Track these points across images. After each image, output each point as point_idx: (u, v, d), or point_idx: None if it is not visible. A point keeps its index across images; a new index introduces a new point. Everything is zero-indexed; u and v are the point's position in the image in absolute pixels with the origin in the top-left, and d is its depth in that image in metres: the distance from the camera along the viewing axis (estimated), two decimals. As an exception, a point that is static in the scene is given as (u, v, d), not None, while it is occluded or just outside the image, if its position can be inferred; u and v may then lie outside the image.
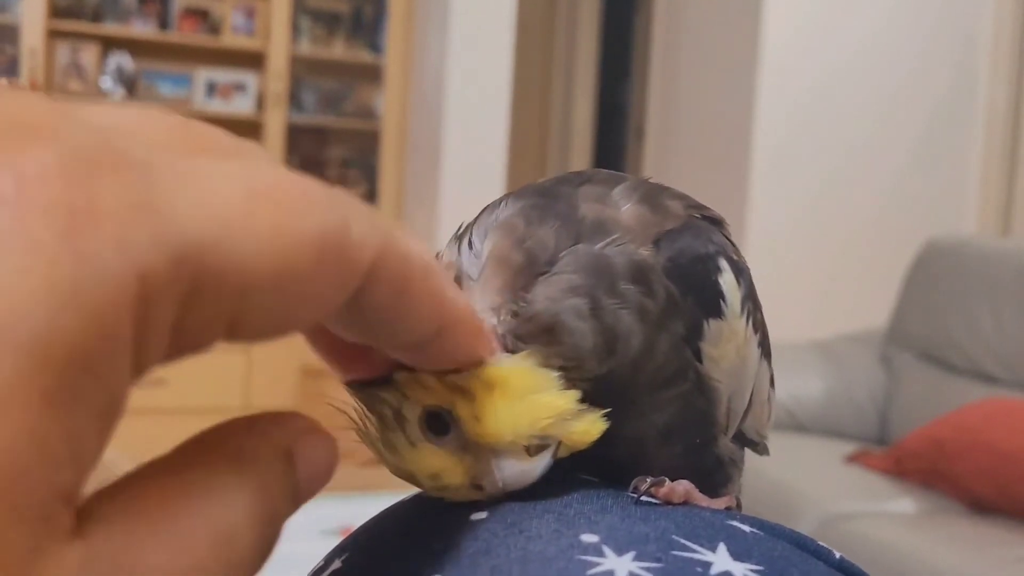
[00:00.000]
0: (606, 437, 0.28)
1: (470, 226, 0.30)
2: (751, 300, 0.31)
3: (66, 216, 0.14)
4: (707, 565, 0.24)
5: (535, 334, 0.27)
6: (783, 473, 2.02)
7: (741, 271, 0.30)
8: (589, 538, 0.25)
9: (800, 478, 2.05)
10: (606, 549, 0.25)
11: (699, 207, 0.31)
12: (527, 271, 0.28)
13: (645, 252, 0.28)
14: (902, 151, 3.00)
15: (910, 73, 2.98)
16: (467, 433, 0.27)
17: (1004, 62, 3.05)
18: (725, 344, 0.29)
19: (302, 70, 3.67)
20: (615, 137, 4.61)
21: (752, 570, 0.25)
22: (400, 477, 0.28)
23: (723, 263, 0.29)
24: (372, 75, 3.69)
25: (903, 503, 1.95)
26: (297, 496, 0.20)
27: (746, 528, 0.27)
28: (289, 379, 3.16)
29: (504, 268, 0.28)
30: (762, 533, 0.27)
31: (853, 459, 2.17)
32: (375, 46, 3.69)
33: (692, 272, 0.28)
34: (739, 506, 0.31)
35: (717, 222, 0.31)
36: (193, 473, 0.18)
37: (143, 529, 0.16)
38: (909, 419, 2.30)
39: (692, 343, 0.29)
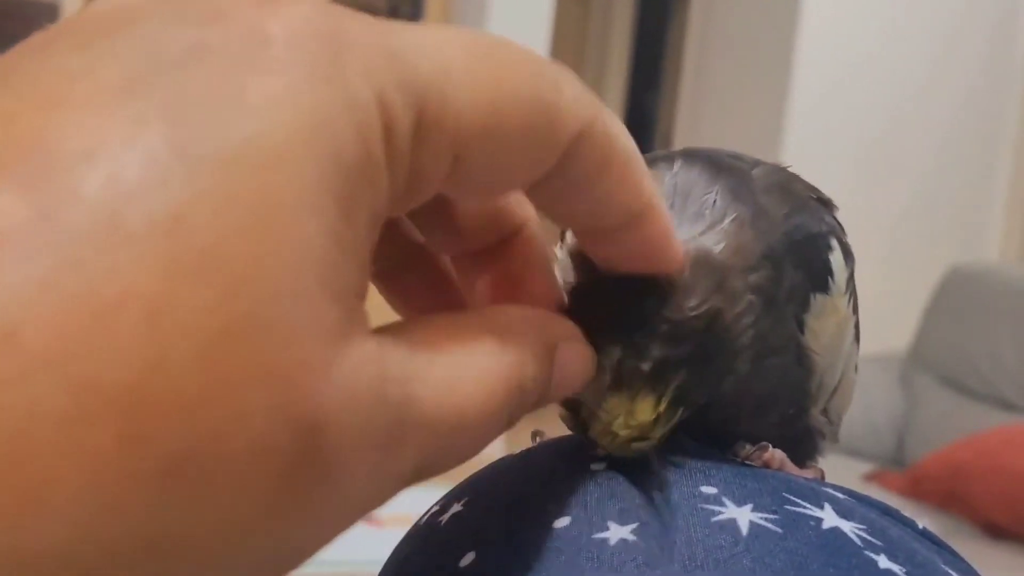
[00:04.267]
0: (706, 401, 0.28)
1: None
2: (854, 282, 0.32)
3: (327, 45, 0.16)
4: (819, 520, 0.25)
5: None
6: (801, 488, 2.01)
7: (848, 253, 0.31)
8: (708, 489, 0.26)
9: (817, 494, 2.03)
10: (726, 500, 0.25)
11: (813, 188, 0.32)
12: (736, 256, 0.27)
13: (778, 234, 0.29)
14: (926, 173, 2.99)
15: (937, 96, 2.98)
16: None
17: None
18: (828, 318, 0.30)
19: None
20: (642, 146, 4.57)
21: (857, 527, 0.25)
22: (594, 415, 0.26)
23: (834, 242, 0.30)
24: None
25: (919, 524, 1.95)
26: (548, 391, 0.22)
27: (840, 495, 0.28)
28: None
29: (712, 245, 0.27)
30: (854, 500, 0.28)
31: (870, 479, 2.17)
32: (410, 43, 3.68)
33: (805, 248, 0.29)
34: (823, 478, 0.31)
35: (827, 204, 0.32)
36: (464, 333, 0.20)
37: (424, 350, 0.18)
38: (927, 441, 2.30)
39: (798, 315, 0.30)
